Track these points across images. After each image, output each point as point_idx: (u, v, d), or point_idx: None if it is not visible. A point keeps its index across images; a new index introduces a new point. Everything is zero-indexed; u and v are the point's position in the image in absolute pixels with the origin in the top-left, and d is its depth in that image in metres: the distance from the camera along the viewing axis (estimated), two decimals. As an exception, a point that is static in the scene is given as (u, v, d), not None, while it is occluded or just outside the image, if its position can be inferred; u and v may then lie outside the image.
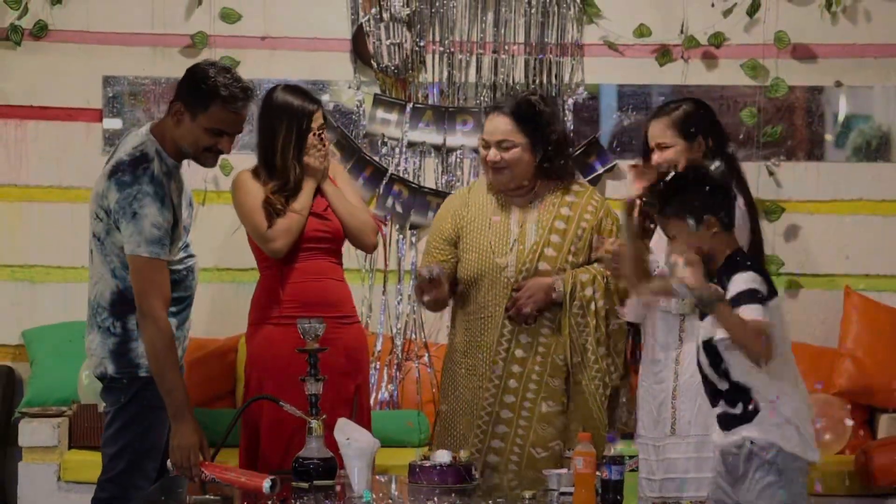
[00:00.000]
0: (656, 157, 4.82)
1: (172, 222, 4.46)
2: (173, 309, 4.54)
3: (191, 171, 6.18)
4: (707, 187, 4.15)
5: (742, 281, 4.03)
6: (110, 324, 4.49)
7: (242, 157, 6.13)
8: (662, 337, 4.76)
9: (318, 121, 5.04)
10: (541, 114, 4.88)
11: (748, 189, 4.81)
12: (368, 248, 5.29)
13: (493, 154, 4.86)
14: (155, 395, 4.49)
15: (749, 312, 3.98)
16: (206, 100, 4.40)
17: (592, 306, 4.82)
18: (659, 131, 4.83)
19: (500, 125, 4.87)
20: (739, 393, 4.06)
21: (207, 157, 4.52)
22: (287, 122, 5.01)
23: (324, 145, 5.06)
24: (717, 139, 4.84)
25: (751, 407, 4.04)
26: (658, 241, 4.77)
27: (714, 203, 4.14)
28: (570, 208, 4.91)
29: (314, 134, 5.02)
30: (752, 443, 4.03)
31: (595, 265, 4.87)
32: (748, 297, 4.00)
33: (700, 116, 4.85)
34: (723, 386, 4.09)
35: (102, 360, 4.51)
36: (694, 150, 4.80)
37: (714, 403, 4.15)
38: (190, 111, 4.42)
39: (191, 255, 4.65)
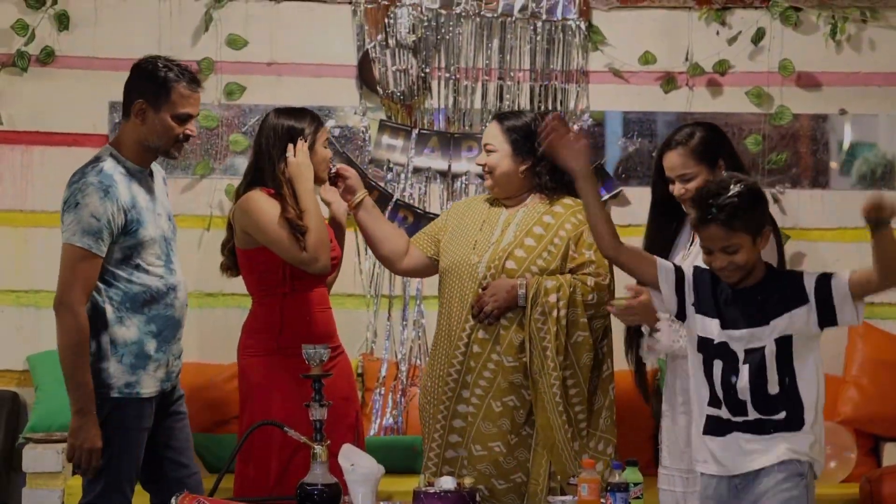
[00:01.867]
0: (678, 189, 4.76)
1: (124, 221, 4.45)
2: (153, 328, 4.54)
3: (195, 196, 6.26)
4: (762, 200, 4.18)
5: (836, 278, 4.10)
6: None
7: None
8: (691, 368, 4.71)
9: (324, 135, 5.00)
10: (531, 128, 4.98)
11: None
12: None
13: (480, 157, 5.08)
14: (127, 417, 4.50)
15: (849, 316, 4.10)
16: (166, 88, 4.50)
17: (555, 313, 4.83)
18: (679, 163, 4.74)
19: (488, 130, 5.07)
20: (789, 400, 4.09)
21: (178, 146, 4.58)
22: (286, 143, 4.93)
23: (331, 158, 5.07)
24: (734, 161, 4.83)
25: (799, 417, 4.08)
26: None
27: (767, 215, 4.20)
28: (553, 217, 4.97)
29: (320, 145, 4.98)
30: (795, 461, 4.08)
31: (567, 275, 4.90)
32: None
33: (716, 139, 4.82)
34: (773, 389, 4.09)
35: None
36: (716, 175, 4.77)
37: (742, 411, 4.13)
38: (153, 105, 4.50)
39: (171, 272, 4.61)
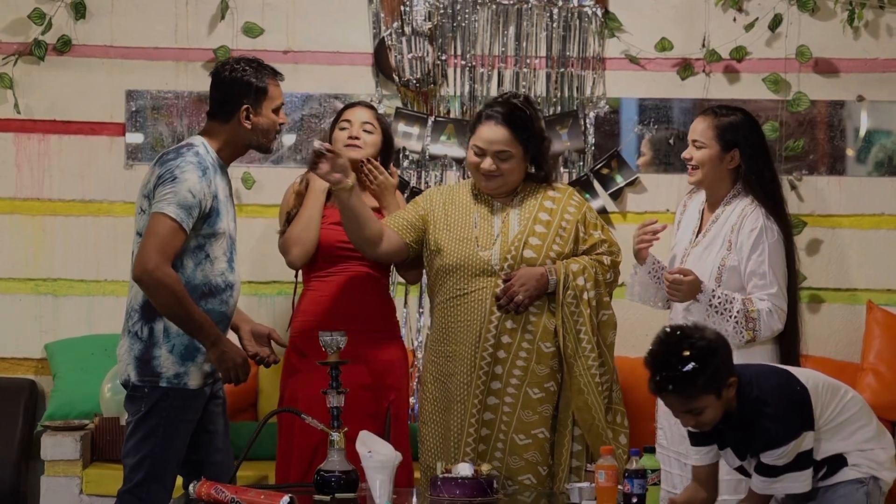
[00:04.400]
0: (686, 153, 4.87)
1: (210, 205, 4.52)
2: None
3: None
4: (721, 346, 4.05)
5: (787, 450, 4.00)
6: (139, 328, 4.51)
7: (269, 170, 6.20)
8: None
9: (350, 115, 5.19)
10: (532, 121, 4.94)
11: (786, 218, 4.81)
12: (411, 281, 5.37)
13: (488, 163, 4.88)
14: (175, 407, 4.51)
15: (790, 483, 4.02)
16: (264, 86, 4.65)
17: (585, 296, 4.86)
18: (699, 129, 4.86)
19: (498, 135, 4.87)
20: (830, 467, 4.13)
21: (276, 138, 4.77)
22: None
23: (353, 140, 5.13)
24: (755, 158, 4.82)
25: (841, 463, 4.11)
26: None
27: (726, 365, 4.04)
28: (554, 202, 4.97)
29: (341, 129, 5.17)
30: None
31: (585, 257, 4.93)
32: (794, 464, 4.02)
33: (744, 130, 4.83)
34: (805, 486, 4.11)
35: (127, 367, 4.54)
36: (725, 162, 4.80)
37: None
38: (253, 105, 4.64)
39: (232, 271, 4.64)
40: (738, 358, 4.22)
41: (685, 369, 3.95)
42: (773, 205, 4.80)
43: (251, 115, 4.64)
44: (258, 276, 6.08)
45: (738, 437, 4.08)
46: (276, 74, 4.73)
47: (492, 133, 4.89)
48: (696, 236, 4.89)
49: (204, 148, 4.61)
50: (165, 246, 4.42)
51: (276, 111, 4.70)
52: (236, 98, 4.64)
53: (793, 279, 4.84)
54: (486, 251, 4.89)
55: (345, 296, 5.02)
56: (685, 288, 4.69)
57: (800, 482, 4.03)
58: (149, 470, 4.49)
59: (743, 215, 4.76)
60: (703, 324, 4.22)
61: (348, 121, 5.17)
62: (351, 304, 5.01)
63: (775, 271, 4.72)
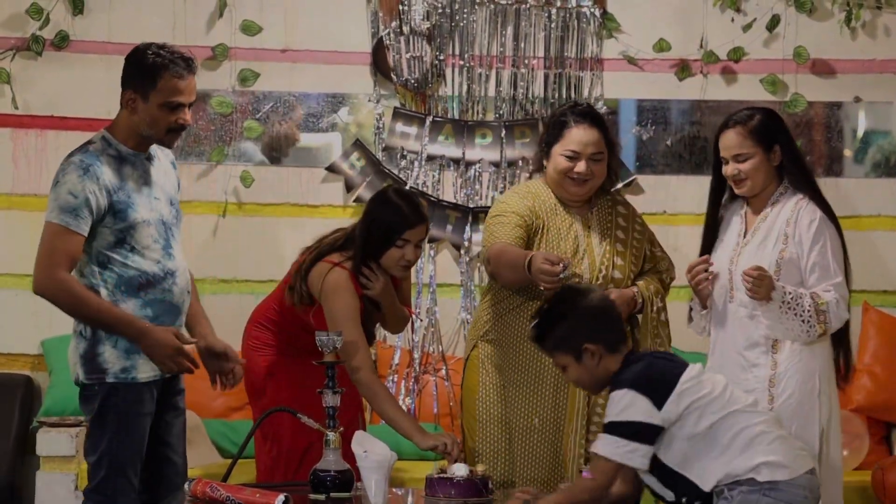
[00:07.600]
0: (731, 169, 4.69)
1: (108, 202, 4.41)
2: (149, 313, 4.49)
3: (209, 182, 6.27)
4: (584, 314, 4.03)
5: (618, 404, 3.93)
6: (82, 327, 4.48)
7: (268, 169, 6.18)
8: None
9: (414, 236, 4.77)
10: (607, 123, 4.91)
11: (832, 210, 4.76)
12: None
13: (583, 166, 4.75)
14: (125, 401, 4.46)
15: (602, 445, 3.93)
16: (153, 76, 4.42)
17: (662, 317, 4.82)
18: (735, 142, 4.69)
19: (593, 137, 4.76)
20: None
21: (171, 136, 4.51)
22: (388, 225, 4.75)
23: (409, 263, 4.81)
24: (791, 148, 4.78)
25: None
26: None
27: (594, 328, 4.02)
28: (623, 219, 4.89)
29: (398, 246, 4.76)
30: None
31: (652, 277, 4.87)
32: (617, 427, 3.92)
33: (775, 125, 4.77)
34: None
35: (75, 366, 4.50)
36: (772, 161, 4.74)
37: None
38: (141, 94, 4.43)
39: (170, 257, 4.54)
40: (803, 352, 4.52)
41: (534, 324, 4.12)
42: (820, 197, 4.76)
43: (136, 102, 4.44)
44: (254, 275, 6.08)
45: None
46: (183, 67, 4.44)
47: (587, 135, 4.76)
48: (745, 237, 4.79)
49: (102, 143, 4.48)
50: (53, 253, 4.39)
51: (168, 107, 4.44)
52: (124, 82, 4.49)
53: (848, 271, 4.79)
54: (577, 266, 4.74)
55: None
56: (767, 283, 4.56)
57: (608, 447, 3.91)
58: (109, 466, 4.46)
59: (798, 208, 4.70)
60: (595, 290, 4.25)
61: (408, 241, 4.75)
62: None
63: (837, 262, 4.68)
